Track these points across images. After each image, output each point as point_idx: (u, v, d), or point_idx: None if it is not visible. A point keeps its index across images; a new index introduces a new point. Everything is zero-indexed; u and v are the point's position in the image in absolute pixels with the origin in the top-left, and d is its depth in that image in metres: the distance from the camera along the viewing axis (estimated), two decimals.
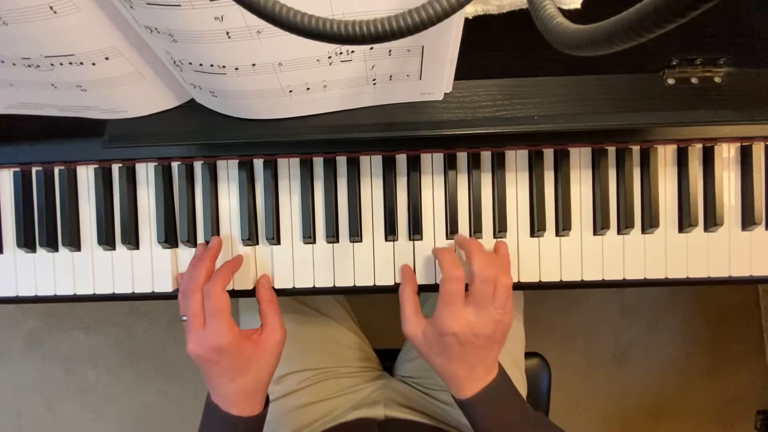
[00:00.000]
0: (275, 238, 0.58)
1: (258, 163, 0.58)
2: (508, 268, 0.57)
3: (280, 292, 0.59)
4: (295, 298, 0.74)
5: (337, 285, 0.58)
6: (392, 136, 0.50)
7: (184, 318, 0.53)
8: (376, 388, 0.76)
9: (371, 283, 0.58)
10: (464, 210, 0.58)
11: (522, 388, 0.78)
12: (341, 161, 0.58)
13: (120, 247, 0.59)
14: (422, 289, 0.58)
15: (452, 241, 0.58)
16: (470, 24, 0.41)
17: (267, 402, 0.57)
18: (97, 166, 0.59)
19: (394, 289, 0.58)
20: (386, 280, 0.58)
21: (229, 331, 0.51)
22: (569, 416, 1.44)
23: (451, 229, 0.57)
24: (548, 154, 0.58)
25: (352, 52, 0.41)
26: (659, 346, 1.44)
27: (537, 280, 0.58)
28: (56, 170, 0.59)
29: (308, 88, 0.44)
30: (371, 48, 0.41)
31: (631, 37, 0.21)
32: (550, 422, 0.56)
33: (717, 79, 0.50)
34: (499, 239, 0.58)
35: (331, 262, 0.58)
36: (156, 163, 0.59)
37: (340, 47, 0.40)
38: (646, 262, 0.58)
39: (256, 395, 0.54)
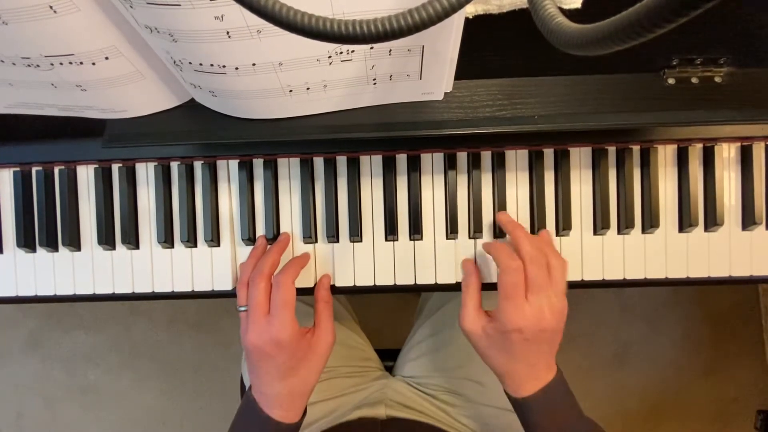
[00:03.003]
0: (275, 238, 0.58)
1: (258, 163, 0.58)
2: (556, 251, 0.55)
3: None
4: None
5: (337, 285, 0.58)
6: (392, 136, 0.50)
7: (243, 308, 0.53)
8: (377, 388, 0.76)
9: (371, 283, 0.58)
10: (464, 210, 0.58)
11: None
12: (341, 161, 0.58)
13: (120, 247, 0.59)
14: (424, 289, 0.58)
15: (479, 246, 0.58)
16: (470, 24, 0.41)
17: (304, 412, 0.56)
18: (97, 166, 0.59)
19: (394, 289, 0.58)
20: (386, 279, 0.58)
21: (292, 325, 0.51)
22: None
23: (451, 228, 0.57)
24: (548, 154, 0.58)
25: (352, 51, 0.41)
26: (659, 346, 1.44)
27: None
28: (56, 170, 0.59)
29: (308, 88, 0.44)
30: (371, 48, 0.41)
31: (631, 37, 0.21)
32: (602, 429, 0.55)
33: (717, 79, 0.50)
34: (540, 231, 0.57)
35: (331, 261, 0.58)
36: (156, 163, 0.59)
37: (340, 47, 0.40)
38: (646, 262, 0.58)
39: (300, 399, 0.54)
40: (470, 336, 0.52)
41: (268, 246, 0.57)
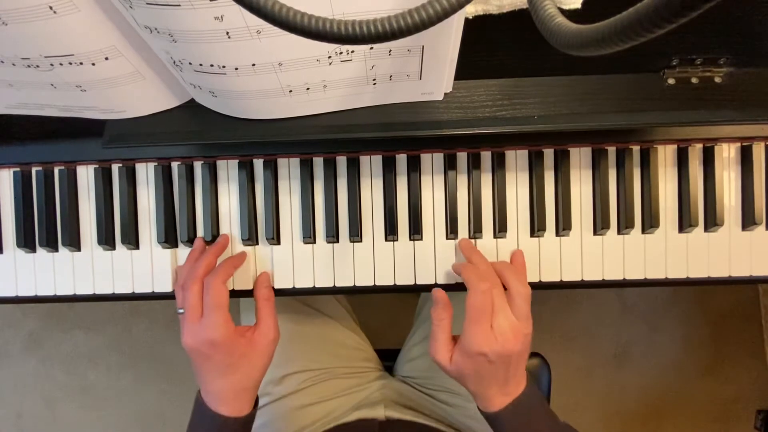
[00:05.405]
0: (275, 238, 0.58)
1: (258, 163, 0.58)
2: (523, 277, 0.55)
3: (280, 292, 0.59)
4: (295, 297, 0.74)
5: (337, 285, 0.58)
6: (392, 136, 0.50)
7: (181, 310, 0.53)
8: (376, 389, 0.76)
9: (371, 283, 0.58)
10: (464, 210, 0.58)
11: None
12: (341, 161, 0.58)
13: (120, 247, 0.59)
14: (424, 289, 0.58)
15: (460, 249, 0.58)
16: (470, 24, 0.41)
17: (256, 404, 0.56)
18: (97, 166, 0.59)
19: (394, 289, 0.58)
20: (386, 280, 0.58)
21: (225, 325, 0.51)
22: (569, 416, 1.43)
23: (451, 229, 0.57)
24: (548, 154, 0.58)
25: (352, 52, 0.41)
26: (659, 346, 1.44)
27: (537, 280, 0.58)
28: (56, 170, 0.59)
29: (308, 88, 0.44)
30: (371, 48, 0.41)
31: (631, 37, 0.21)
32: None
33: (717, 79, 0.50)
34: (516, 249, 0.58)
35: (331, 262, 0.58)
36: (156, 163, 0.59)
37: (340, 47, 0.40)
38: (646, 262, 0.58)
39: (245, 394, 0.54)
40: (440, 366, 0.53)
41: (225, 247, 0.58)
